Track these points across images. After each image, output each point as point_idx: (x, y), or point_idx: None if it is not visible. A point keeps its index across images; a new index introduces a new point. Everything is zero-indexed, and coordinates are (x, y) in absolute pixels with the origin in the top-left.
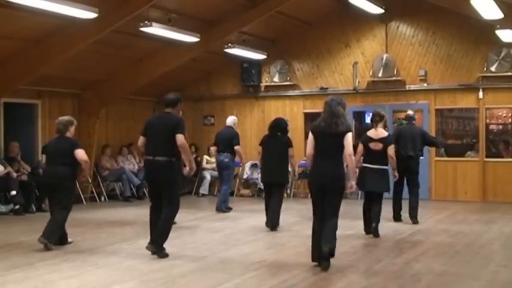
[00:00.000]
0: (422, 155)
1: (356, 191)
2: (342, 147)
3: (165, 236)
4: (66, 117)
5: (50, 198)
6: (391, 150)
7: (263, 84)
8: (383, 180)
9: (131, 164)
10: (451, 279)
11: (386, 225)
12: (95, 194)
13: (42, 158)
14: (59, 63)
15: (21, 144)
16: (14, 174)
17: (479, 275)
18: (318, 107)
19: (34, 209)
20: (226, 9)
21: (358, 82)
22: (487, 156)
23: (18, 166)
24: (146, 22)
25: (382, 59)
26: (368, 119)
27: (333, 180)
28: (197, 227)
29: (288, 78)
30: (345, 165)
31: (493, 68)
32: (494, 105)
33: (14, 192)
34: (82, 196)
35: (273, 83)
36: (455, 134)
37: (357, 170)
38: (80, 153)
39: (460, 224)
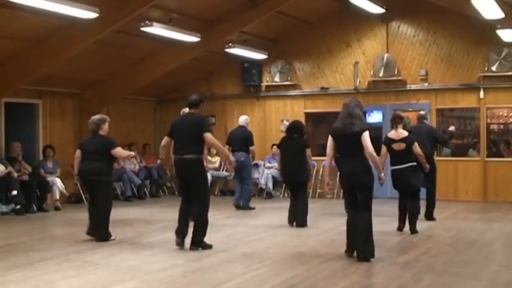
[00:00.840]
0: (433, 153)
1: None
2: (360, 146)
3: (203, 233)
4: (97, 116)
5: (90, 195)
6: (416, 147)
7: (264, 84)
8: (413, 176)
9: (132, 164)
10: (452, 279)
11: (387, 224)
12: None
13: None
14: (60, 63)
15: (22, 144)
16: (15, 174)
17: (481, 275)
18: (318, 106)
19: (35, 208)
20: (227, 9)
21: (359, 82)
22: (488, 156)
23: (19, 166)
24: (147, 22)
25: (383, 58)
26: (369, 119)
27: (359, 177)
28: None
29: (289, 78)
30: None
31: (494, 68)
32: (495, 105)
33: (15, 192)
34: (83, 196)
35: (273, 83)
36: (456, 133)
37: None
38: (119, 152)
39: (461, 224)
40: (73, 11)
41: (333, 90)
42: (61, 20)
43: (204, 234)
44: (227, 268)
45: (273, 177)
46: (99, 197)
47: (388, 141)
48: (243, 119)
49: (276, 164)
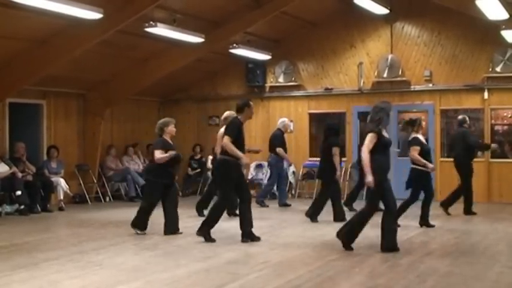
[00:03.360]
0: (464, 157)
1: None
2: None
3: (206, 220)
4: (162, 120)
5: (164, 194)
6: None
7: (268, 84)
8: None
9: (136, 164)
10: (456, 280)
11: None
12: (100, 194)
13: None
14: (64, 63)
15: (26, 145)
16: (19, 175)
17: (484, 276)
18: (322, 107)
19: (39, 209)
20: (231, 9)
21: (363, 82)
22: (492, 157)
23: (23, 166)
24: (151, 22)
25: (387, 59)
26: None
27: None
28: None
29: (293, 79)
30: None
31: (498, 69)
32: (500, 106)
33: (19, 193)
34: (87, 196)
35: (277, 84)
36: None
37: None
38: (155, 154)
39: (465, 225)
40: (77, 12)
41: (337, 91)
42: (65, 21)
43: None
44: (231, 269)
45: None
46: (171, 197)
47: (423, 145)
48: (278, 122)
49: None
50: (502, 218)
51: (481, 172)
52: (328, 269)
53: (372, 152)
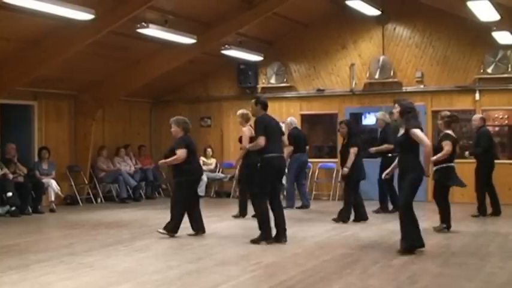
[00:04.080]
0: (477, 154)
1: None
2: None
3: (259, 224)
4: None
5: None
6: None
7: (260, 85)
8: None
9: (128, 166)
10: (447, 281)
11: (383, 226)
12: (91, 196)
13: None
14: (56, 64)
15: (17, 146)
16: (10, 176)
17: (475, 277)
18: (314, 108)
19: (30, 210)
20: (223, 10)
21: (355, 84)
22: None
23: (14, 168)
24: (143, 23)
25: (379, 60)
26: (364, 121)
27: None
28: None
29: (285, 80)
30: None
31: (489, 70)
32: (491, 107)
33: (10, 194)
34: (78, 198)
35: (269, 85)
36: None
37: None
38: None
39: (457, 226)
40: (69, 13)
41: (329, 92)
42: (57, 22)
43: (260, 228)
44: (222, 270)
45: None
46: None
47: (455, 141)
48: (293, 121)
49: None
50: (493, 219)
51: (472, 173)
52: (320, 270)
53: (409, 151)
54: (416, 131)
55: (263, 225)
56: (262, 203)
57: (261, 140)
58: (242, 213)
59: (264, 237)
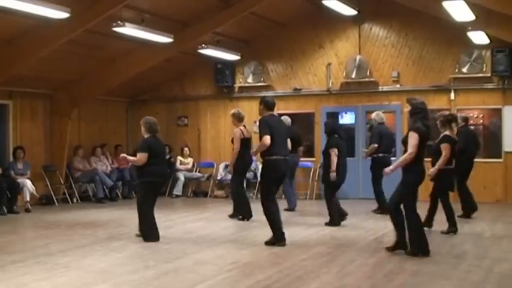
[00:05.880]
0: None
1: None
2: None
3: (269, 226)
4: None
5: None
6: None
7: (237, 85)
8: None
9: (104, 165)
10: (423, 279)
11: (360, 225)
12: (67, 196)
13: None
14: (31, 63)
15: None
16: None
17: (452, 275)
18: (291, 108)
19: (5, 210)
20: (200, 10)
21: (332, 83)
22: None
23: None
24: (119, 22)
25: (355, 60)
26: (341, 120)
27: None
28: (171, 228)
29: (262, 79)
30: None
31: (464, 70)
32: (466, 106)
33: None
34: (54, 198)
35: (246, 84)
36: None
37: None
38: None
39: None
40: (44, 11)
41: (306, 91)
42: (32, 20)
43: (271, 229)
44: (199, 269)
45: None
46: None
47: (454, 142)
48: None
49: None
50: (468, 218)
51: None
52: (297, 269)
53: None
54: (412, 134)
55: (273, 227)
56: (270, 204)
57: (265, 139)
58: (241, 213)
59: (276, 239)
